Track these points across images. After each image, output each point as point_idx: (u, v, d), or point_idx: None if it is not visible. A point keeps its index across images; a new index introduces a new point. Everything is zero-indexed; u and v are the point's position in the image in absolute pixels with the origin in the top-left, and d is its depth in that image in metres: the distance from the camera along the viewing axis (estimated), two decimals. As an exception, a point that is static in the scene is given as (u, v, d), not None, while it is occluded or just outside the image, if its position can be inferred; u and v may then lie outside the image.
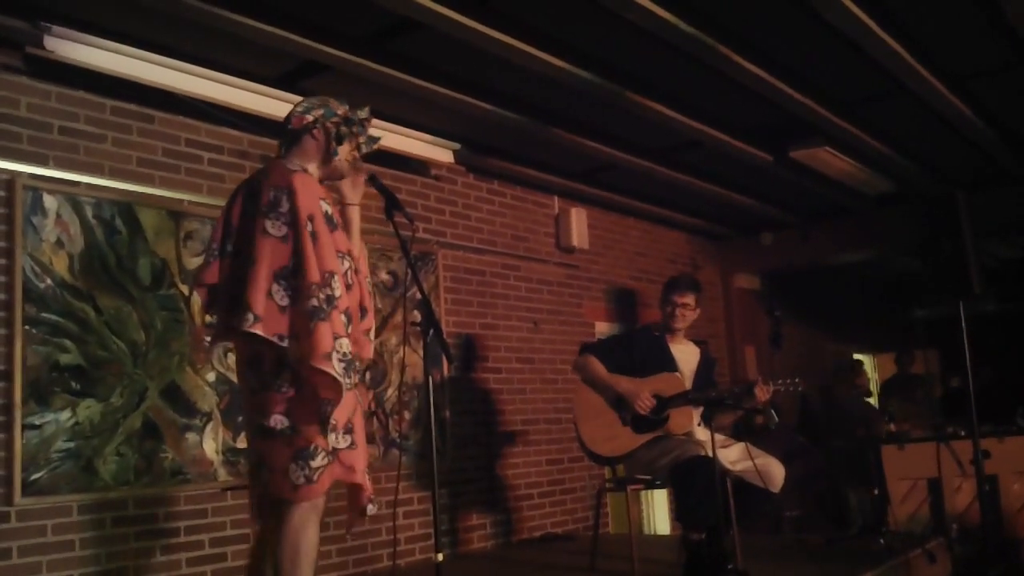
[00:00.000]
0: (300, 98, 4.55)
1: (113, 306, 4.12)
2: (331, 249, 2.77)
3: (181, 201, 4.45)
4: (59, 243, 3.97)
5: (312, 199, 2.79)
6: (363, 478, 2.83)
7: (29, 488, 3.74)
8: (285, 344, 2.66)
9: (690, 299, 4.65)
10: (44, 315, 3.88)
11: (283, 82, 4.58)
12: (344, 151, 2.99)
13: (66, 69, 3.99)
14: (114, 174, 4.22)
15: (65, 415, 3.90)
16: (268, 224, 2.72)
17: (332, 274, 2.73)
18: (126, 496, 4.06)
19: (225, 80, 4.42)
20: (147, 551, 4.10)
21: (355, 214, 3.08)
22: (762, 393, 4.30)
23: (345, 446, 2.75)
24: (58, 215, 3.98)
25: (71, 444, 3.90)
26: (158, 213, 4.34)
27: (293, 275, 2.68)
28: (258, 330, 2.62)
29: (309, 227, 2.73)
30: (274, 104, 4.59)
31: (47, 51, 3.84)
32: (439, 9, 3.81)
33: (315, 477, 2.69)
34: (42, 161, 3.98)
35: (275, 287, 2.67)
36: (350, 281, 2.88)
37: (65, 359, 3.93)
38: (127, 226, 4.22)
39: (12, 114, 3.92)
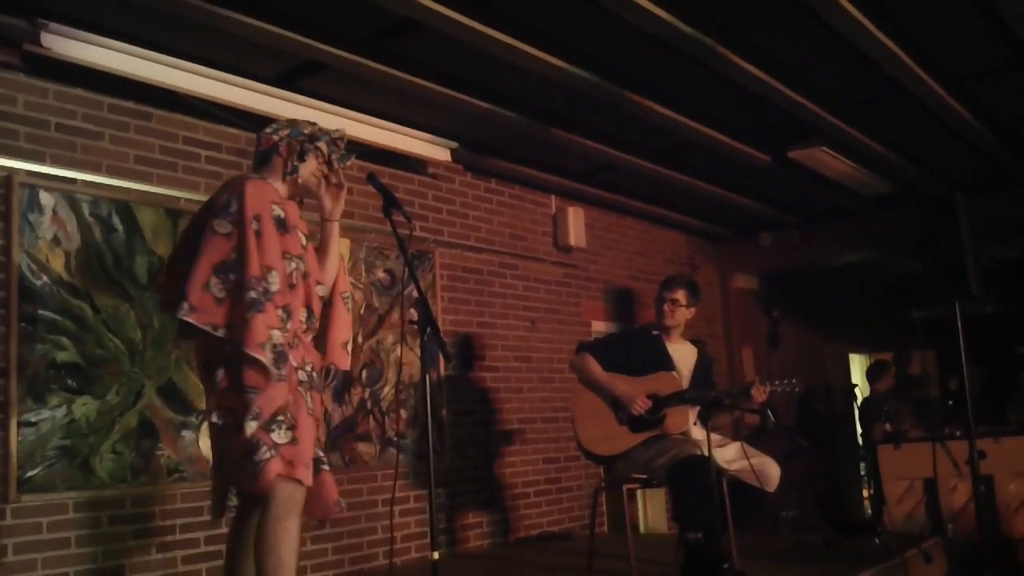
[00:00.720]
0: (299, 96, 4.64)
1: (110, 304, 4.12)
2: (275, 247, 2.88)
3: (178, 199, 4.44)
4: (56, 240, 3.97)
5: (261, 201, 2.90)
6: (304, 473, 2.85)
7: (25, 485, 3.74)
8: (219, 334, 2.77)
9: (680, 295, 4.64)
10: (41, 313, 3.88)
11: (282, 81, 4.58)
12: (309, 167, 3.10)
13: (64, 67, 3.99)
14: (111, 172, 4.21)
15: (61, 412, 3.89)
16: (216, 223, 2.85)
17: (270, 269, 2.83)
18: (122, 494, 4.06)
19: (223, 78, 4.42)
20: (143, 549, 4.10)
21: (334, 230, 3.20)
22: (759, 394, 4.29)
23: (285, 442, 2.79)
24: (55, 212, 3.98)
25: (67, 442, 3.90)
26: (155, 211, 4.34)
27: (235, 268, 2.79)
28: (192, 319, 2.74)
29: (255, 225, 2.84)
30: (273, 103, 4.60)
31: (45, 48, 3.84)
32: (438, 8, 3.81)
33: (259, 471, 2.75)
34: (39, 158, 3.97)
35: (213, 280, 2.78)
36: (294, 282, 2.95)
37: (62, 357, 3.92)
38: (124, 224, 4.21)
39: (9, 111, 3.91)
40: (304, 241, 3.05)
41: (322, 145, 3.12)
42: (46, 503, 3.81)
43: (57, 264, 3.96)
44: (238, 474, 2.84)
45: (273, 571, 2.79)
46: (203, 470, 4.33)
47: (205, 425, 4.35)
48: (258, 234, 2.84)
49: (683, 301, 4.64)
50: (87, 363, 4.00)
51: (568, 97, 4.99)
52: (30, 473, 3.77)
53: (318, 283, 3.06)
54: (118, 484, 4.04)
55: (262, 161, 3.12)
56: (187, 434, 4.31)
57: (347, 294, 3.23)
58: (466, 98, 4.85)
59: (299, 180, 3.08)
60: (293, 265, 2.95)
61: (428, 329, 3.08)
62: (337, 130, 3.19)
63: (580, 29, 4.27)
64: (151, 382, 4.22)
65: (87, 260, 4.06)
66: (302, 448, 2.84)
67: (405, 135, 5.35)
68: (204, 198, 4.44)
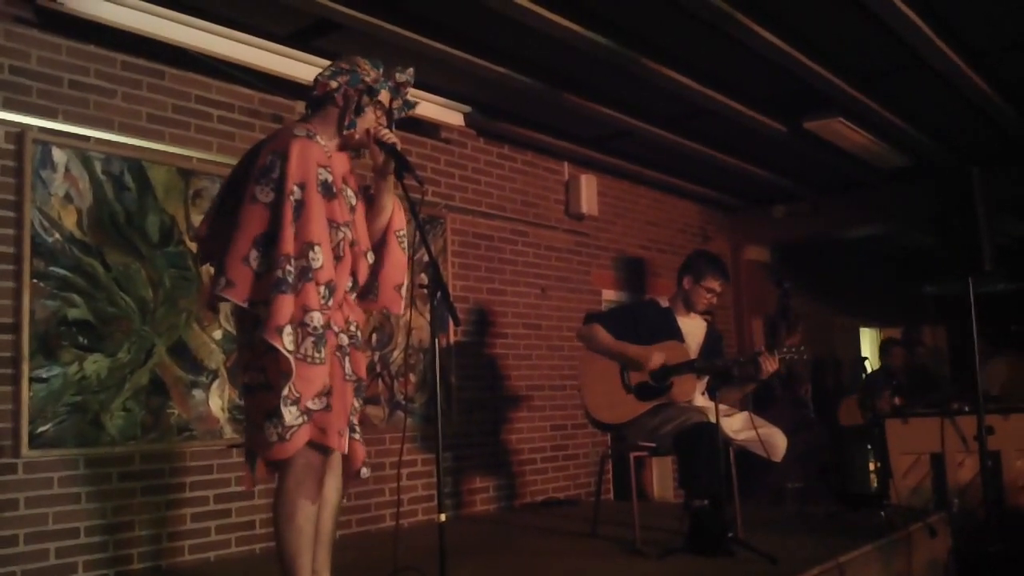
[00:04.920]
0: (311, 56, 4.59)
1: (122, 262, 4.12)
2: (319, 219, 2.71)
3: (190, 158, 4.43)
4: (68, 197, 3.97)
5: (307, 166, 2.73)
6: (336, 441, 2.76)
7: (36, 440, 3.77)
8: (256, 311, 2.65)
9: (721, 287, 4.64)
10: (53, 269, 3.89)
11: (295, 40, 4.54)
12: (367, 121, 2.90)
13: (77, 22, 3.97)
14: (124, 129, 4.20)
15: (73, 369, 3.92)
16: (257, 190, 2.69)
17: (311, 245, 2.67)
18: (132, 451, 4.09)
19: (237, 37, 4.38)
20: (152, 506, 4.14)
21: (388, 186, 3.00)
22: (767, 364, 4.27)
23: (319, 408, 2.72)
24: (67, 169, 3.97)
25: (78, 398, 3.92)
26: (167, 170, 4.33)
27: (270, 243, 2.65)
28: (229, 295, 2.63)
29: (297, 194, 2.68)
30: (286, 62, 4.57)
31: (58, 4, 3.81)
32: (453, -31, 3.77)
33: (288, 435, 2.65)
34: (52, 115, 3.96)
35: (253, 253, 2.64)
36: (341, 253, 2.81)
37: (73, 314, 3.94)
38: (136, 182, 4.21)
39: (22, 67, 3.90)
40: (353, 202, 2.89)
41: (383, 95, 2.91)
42: (57, 458, 3.84)
43: (69, 221, 3.96)
44: (256, 437, 2.71)
45: (292, 540, 2.72)
46: (212, 428, 4.37)
47: (215, 384, 4.39)
48: (299, 205, 2.67)
49: (721, 290, 4.64)
50: (98, 320, 4.02)
51: (583, 62, 4.94)
52: (41, 428, 3.79)
53: (367, 251, 2.90)
54: (128, 441, 4.07)
55: (316, 107, 2.91)
56: (197, 393, 4.33)
57: (402, 232, 3.05)
58: (480, 61, 4.81)
59: (356, 136, 2.89)
60: (340, 235, 2.79)
61: (438, 293, 3.05)
62: (404, 73, 2.96)
63: (597, -7, 4.23)
64: (162, 340, 4.23)
65: (99, 218, 4.06)
66: (336, 415, 2.75)
67: (418, 98, 5.30)
68: (216, 158, 4.48)
